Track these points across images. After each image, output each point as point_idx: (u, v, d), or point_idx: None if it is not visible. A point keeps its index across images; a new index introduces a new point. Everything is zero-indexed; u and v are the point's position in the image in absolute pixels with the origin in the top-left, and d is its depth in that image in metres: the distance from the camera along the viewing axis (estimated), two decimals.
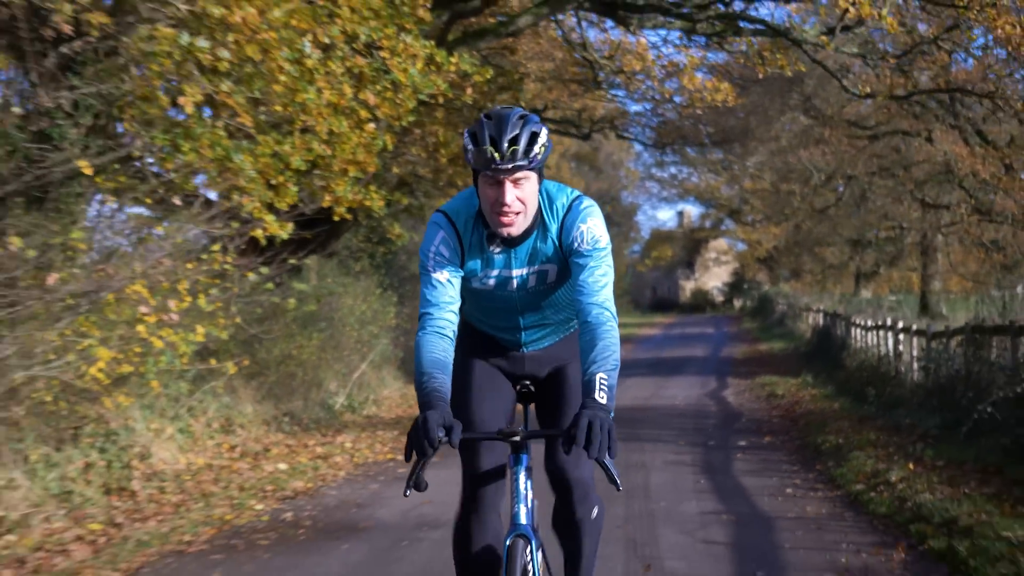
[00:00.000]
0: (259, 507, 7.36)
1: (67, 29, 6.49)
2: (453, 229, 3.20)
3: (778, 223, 41.71)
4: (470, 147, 3.04)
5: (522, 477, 3.18)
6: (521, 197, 3.06)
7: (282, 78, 7.41)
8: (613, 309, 3.13)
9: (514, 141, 2.98)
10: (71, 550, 6.04)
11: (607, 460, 2.82)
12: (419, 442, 2.82)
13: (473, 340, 3.51)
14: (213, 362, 9.34)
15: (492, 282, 3.28)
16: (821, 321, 24.60)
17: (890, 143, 25.60)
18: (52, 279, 7.06)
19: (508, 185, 3.03)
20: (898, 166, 26.37)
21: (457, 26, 14.37)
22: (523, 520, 3.13)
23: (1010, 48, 11.31)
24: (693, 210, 65.10)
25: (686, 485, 7.70)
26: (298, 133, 8.00)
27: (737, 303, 59.57)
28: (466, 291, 3.33)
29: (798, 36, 12.96)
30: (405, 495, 2.91)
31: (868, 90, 13.75)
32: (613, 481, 2.86)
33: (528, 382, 3.53)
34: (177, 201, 8.08)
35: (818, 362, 18.61)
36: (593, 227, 3.17)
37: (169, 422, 9.23)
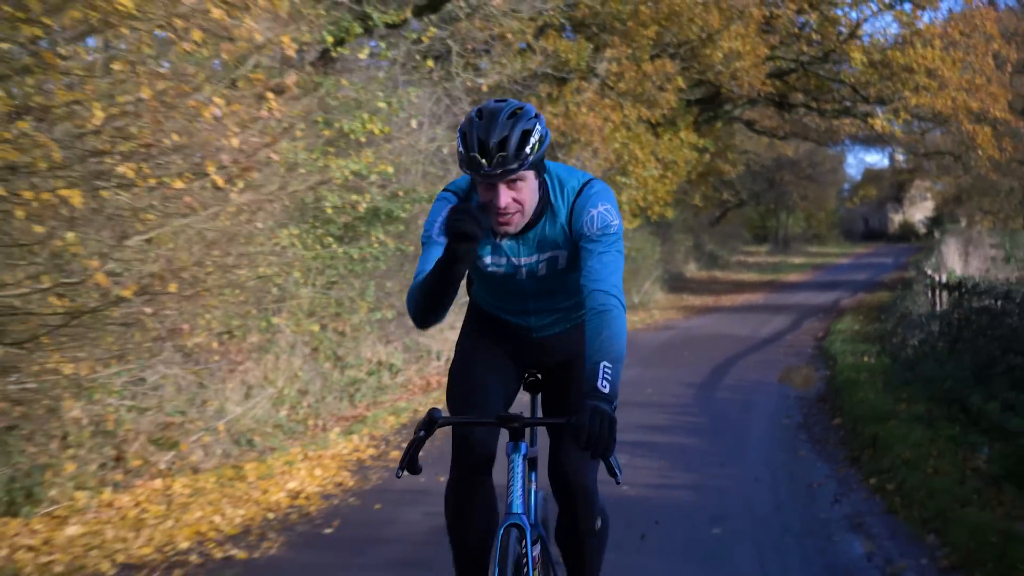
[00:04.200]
0: None
1: None
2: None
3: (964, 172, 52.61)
4: (460, 150, 2.89)
5: (519, 465, 3.07)
6: (517, 198, 2.97)
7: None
8: (621, 296, 3.00)
9: (503, 145, 2.86)
10: None
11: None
12: (469, 224, 2.76)
13: (482, 322, 3.48)
14: None
15: (501, 269, 3.22)
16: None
17: None
18: None
19: (502, 188, 2.93)
20: None
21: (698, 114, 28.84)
22: (518, 509, 3.02)
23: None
24: (900, 155, 75.04)
25: (785, 322, 22.00)
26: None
27: (937, 235, 69.31)
28: (476, 272, 3.29)
29: (871, 121, 26.60)
30: (398, 476, 2.88)
31: (902, 150, 27.18)
32: (613, 473, 2.79)
33: (536, 370, 3.47)
34: None
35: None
36: (604, 212, 3.07)
37: None
